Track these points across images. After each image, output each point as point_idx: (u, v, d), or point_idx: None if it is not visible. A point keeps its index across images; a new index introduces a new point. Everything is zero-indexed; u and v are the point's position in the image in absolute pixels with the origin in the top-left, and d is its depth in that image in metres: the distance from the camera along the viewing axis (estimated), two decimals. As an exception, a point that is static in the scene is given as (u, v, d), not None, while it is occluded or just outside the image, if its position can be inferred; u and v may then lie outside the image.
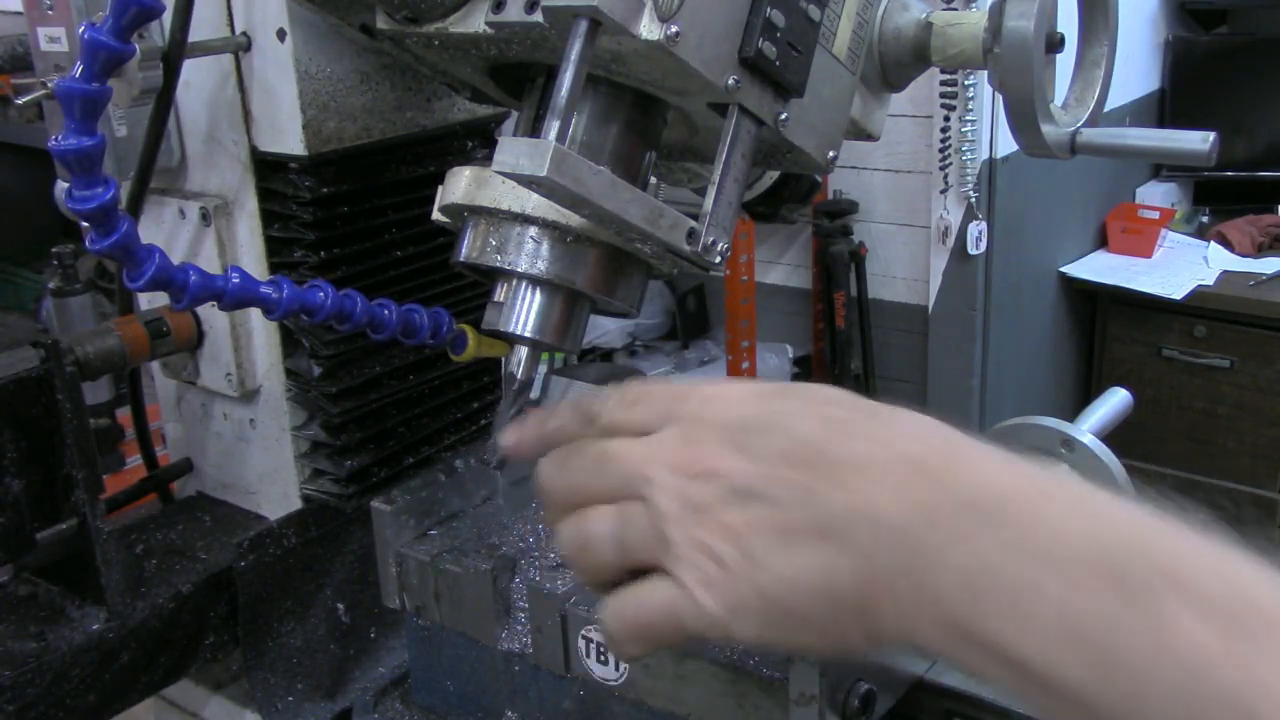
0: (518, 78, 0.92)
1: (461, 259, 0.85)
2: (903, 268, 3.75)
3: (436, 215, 0.89)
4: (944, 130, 3.39)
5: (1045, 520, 0.53)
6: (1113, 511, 0.54)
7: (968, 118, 3.35)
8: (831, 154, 0.88)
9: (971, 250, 3.49)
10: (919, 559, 0.53)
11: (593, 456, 0.63)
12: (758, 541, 0.56)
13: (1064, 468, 1.39)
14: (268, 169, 1.08)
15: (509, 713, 0.99)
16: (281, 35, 1.01)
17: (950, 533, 0.53)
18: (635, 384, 0.65)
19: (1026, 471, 0.56)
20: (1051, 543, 0.52)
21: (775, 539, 0.56)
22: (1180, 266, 3.92)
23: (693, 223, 0.77)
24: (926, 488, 0.54)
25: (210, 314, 1.15)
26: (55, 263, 1.83)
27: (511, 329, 0.84)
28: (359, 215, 1.10)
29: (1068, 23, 0.90)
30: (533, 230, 0.81)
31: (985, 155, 3.44)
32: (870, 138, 0.96)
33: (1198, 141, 0.90)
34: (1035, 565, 0.51)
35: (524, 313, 0.83)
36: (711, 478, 0.57)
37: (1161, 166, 4.28)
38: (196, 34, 1.02)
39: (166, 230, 1.15)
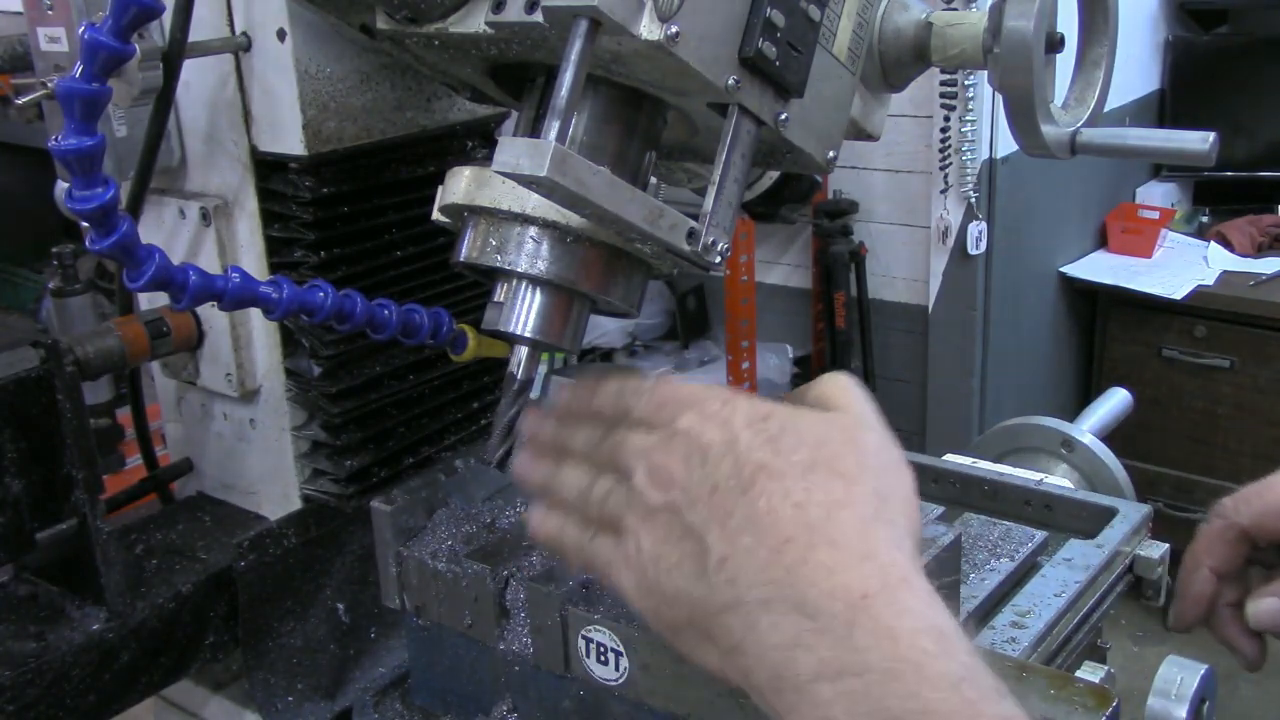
0: (518, 78, 0.92)
1: (461, 259, 0.85)
2: (903, 268, 3.75)
3: (436, 215, 0.89)
4: (944, 130, 3.39)
5: (862, 651, 0.60)
6: (941, 668, 0.59)
7: (968, 118, 3.35)
8: (831, 154, 0.88)
9: (971, 250, 3.49)
10: (749, 633, 0.64)
11: (613, 443, 0.75)
12: (666, 551, 0.68)
13: (1065, 465, 1.39)
14: (268, 169, 1.08)
15: (509, 713, 0.99)
16: (281, 35, 1.01)
17: (776, 627, 0.62)
18: (665, 386, 0.75)
19: (878, 579, 0.63)
20: (879, 685, 0.58)
21: (675, 554, 0.68)
22: (1180, 266, 3.92)
23: (693, 223, 0.77)
24: (780, 575, 0.63)
25: (210, 314, 1.15)
26: (55, 263, 1.83)
27: (511, 329, 0.84)
28: (359, 215, 1.10)
29: (1068, 23, 0.90)
30: (533, 230, 0.81)
31: (985, 155, 3.44)
32: (870, 138, 0.96)
33: (1198, 141, 0.90)
34: (843, 699, 0.59)
35: (524, 313, 0.83)
36: (664, 488, 0.69)
37: (1161, 166, 4.28)
38: (196, 34, 1.02)
39: (166, 230, 1.15)
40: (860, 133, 0.95)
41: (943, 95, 3.33)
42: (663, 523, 0.69)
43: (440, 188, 0.88)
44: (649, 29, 0.71)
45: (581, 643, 0.89)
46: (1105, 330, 4.04)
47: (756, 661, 0.63)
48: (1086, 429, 1.43)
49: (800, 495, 0.66)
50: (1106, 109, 0.97)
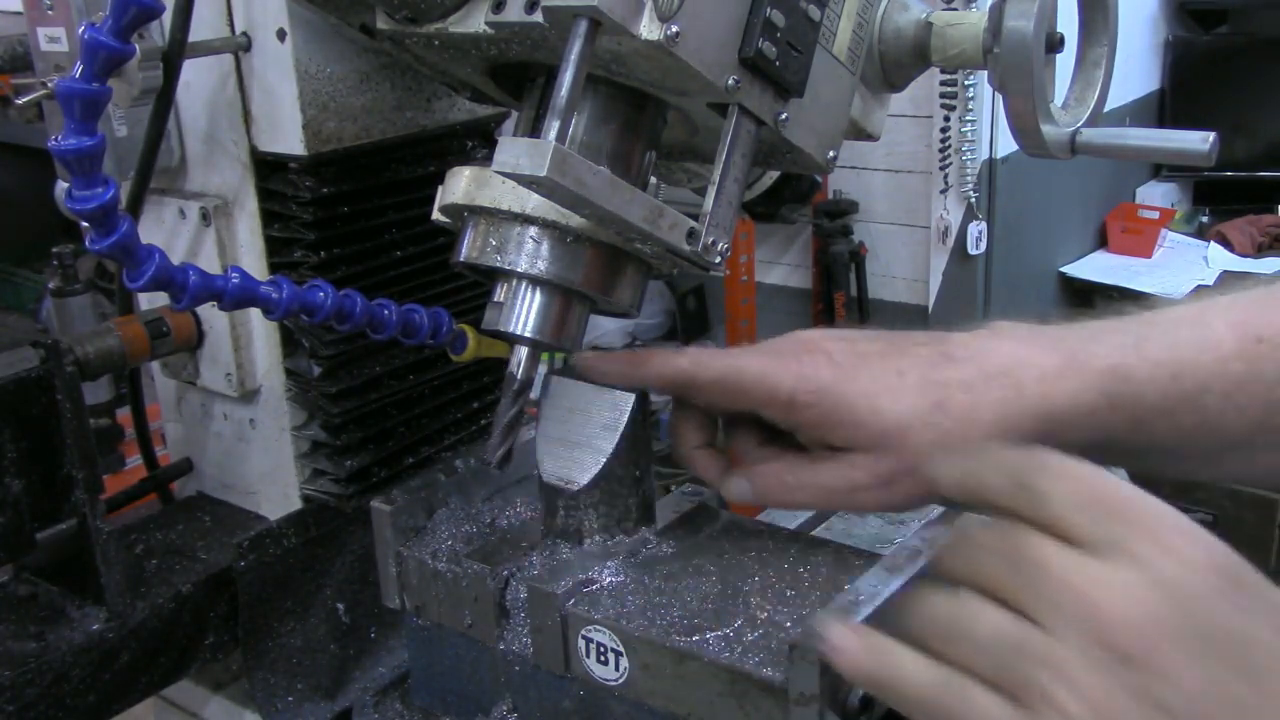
0: (518, 78, 0.92)
1: (461, 259, 0.85)
2: (903, 268, 3.75)
3: (436, 215, 0.89)
4: (944, 130, 3.39)
5: None
6: None
7: (968, 118, 3.36)
8: (831, 154, 0.89)
9: (971, 250, 3.49)
10: None
11: (1023, 561, 0.54)
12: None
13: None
14: (268, 169, 1.08)
15: (509, 713, 0.99)
16: (281, 35, 1.01)
17: None
18: (1094, 477, 0.54)
19: None
20: None
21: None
22: (1180, 267, 3.92)
23: (693, 223, 0.77)
24: None
25: (210, 314, 1.15)
26: (55, 263, 1.83)
27: (511, 329, 0.84)
28: (359, 215, 1.10)
29: (1068, 23, 0.90)
30: (533, 230, 0.81)
31: (985, 155, 3.44)
32: (870, 138, 0.96)
33: (1198, 141, 0.90)
34: None
35: (524, 313, 0.83)
36: (1139, 670, 0.48)
37: (1161, 166, 4.28)
38: (196, 34, 1.02)
39: (166, 230, 1.15)
40: (860, 133, 0.95)
41: (943, 95, 3.34)
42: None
43: (440, 188, 0.88)
44: (649, 29, 0.71)
45: (581, 643, 0.89)
46: (1105, 330, 4.04)
47: None
48: (1086, 429, 1.42)
49: None
50: (1106, 109, 0.97)
